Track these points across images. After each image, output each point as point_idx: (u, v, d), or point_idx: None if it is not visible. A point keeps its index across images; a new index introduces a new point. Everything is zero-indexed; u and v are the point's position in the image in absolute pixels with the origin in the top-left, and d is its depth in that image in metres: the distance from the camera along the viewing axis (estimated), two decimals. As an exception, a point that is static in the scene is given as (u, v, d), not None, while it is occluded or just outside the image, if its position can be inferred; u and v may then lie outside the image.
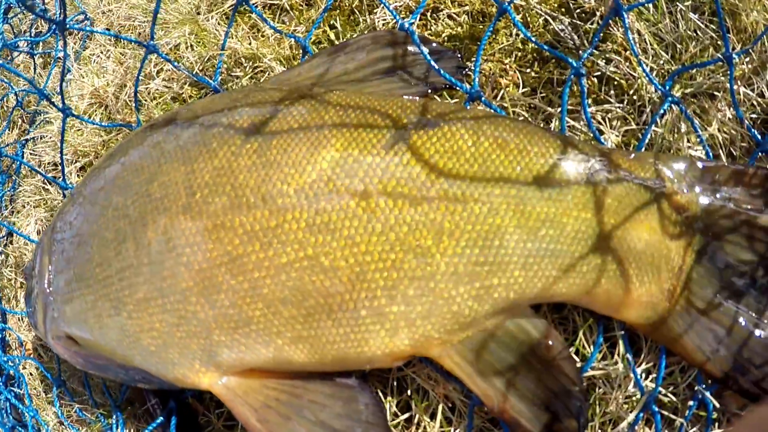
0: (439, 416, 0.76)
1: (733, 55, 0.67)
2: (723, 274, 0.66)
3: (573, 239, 0.65)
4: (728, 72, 0.70)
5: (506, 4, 0.74)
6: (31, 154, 1.21)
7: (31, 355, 1.09)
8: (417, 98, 0.73)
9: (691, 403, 0.70)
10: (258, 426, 0.67)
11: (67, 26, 0.84)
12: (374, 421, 0.68)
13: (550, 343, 0.68)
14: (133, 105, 0.97)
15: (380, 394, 0.79)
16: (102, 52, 1.18)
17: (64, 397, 1.01)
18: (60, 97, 0.95)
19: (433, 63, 0.74)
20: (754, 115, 0.77)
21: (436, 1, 0.91)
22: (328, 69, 0.79)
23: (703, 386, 0.69)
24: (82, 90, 1.13)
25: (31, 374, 1.10)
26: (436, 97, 0.84)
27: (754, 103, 0.77)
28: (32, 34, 1.26)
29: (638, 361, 0.73)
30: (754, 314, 0.65)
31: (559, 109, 0.76)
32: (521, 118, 0.81)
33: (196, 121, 0.74)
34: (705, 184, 0.67)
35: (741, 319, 0.65)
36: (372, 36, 0.80)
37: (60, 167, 1.09)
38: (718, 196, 0.66)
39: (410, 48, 0.78)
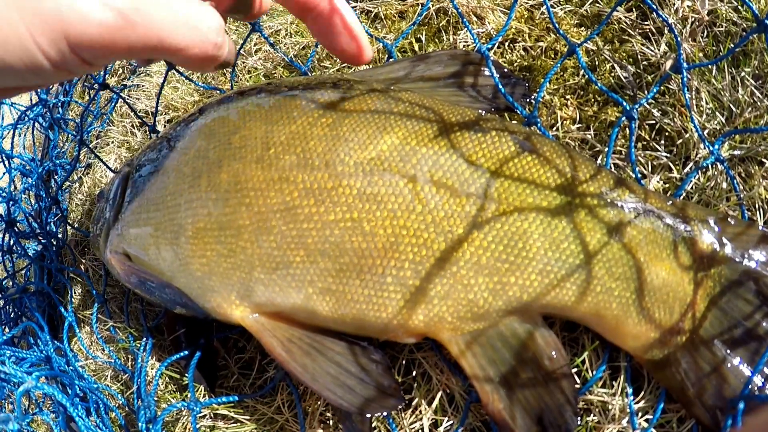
0: (435, 403, 0.80)
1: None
2: (732, 328, 0.67)
3: (591, 259, 0.68)
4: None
5: (576, 45, 0.81)
6: (126, 100, 1.35)
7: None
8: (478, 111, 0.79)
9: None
10: (283, 354, 0.74)
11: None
12: (383, 374, 0.74)
13: (554, 355, 0.69)
14: (229, 74, 1.10)
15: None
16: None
17: (102, 314, 1.11)
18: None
19: (500, 85, 0.81)
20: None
21: (515, 34, 0.98)
22: (407, 73, 0.88)
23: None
24: (185, 54, 1.27)
25: (78, 291, 1.21)
26: (497, 115, 0.92)
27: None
28: None
29: (638, 398, 0.74)
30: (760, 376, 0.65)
31: (606, 148, 0.81)
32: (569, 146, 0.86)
33: (282, 92, 0.84)
34: (732, 240, 0.69)
35: (743, 377, 0.65)
36: (451, 53, 0.89)
37: (151, 114, 1.21)
38: (742, 253, 0.69)
39: (483, 70, 0.86)
